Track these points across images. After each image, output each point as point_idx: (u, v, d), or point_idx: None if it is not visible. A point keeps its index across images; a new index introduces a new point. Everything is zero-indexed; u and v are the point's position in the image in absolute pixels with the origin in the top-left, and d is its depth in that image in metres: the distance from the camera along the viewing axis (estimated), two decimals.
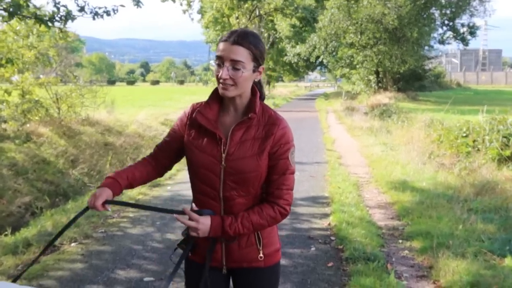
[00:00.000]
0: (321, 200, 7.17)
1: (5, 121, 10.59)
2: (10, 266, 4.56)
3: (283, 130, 1.98)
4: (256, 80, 2.02)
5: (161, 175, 2.25)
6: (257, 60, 1.94)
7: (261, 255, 2.07)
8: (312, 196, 7.37)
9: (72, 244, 5.23)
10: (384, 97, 27.14)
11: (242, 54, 1.88)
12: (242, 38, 1.89)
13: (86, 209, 2.05)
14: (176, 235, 5.44)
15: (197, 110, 2.04)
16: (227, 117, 2.03)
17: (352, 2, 28.90)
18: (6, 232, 5.69)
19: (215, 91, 2.02)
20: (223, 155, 1.96)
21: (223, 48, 1.89)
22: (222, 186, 1.97)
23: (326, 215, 6.36)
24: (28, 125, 10.78)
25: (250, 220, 1.96)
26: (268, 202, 2.01)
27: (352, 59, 32.36)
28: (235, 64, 1.88)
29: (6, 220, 6.57)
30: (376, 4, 27.78)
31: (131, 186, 2.15)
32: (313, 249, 5.11)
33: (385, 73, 32.89)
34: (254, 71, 1.95)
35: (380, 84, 33.02)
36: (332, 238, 5.45)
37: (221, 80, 1.89)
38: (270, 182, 2.00)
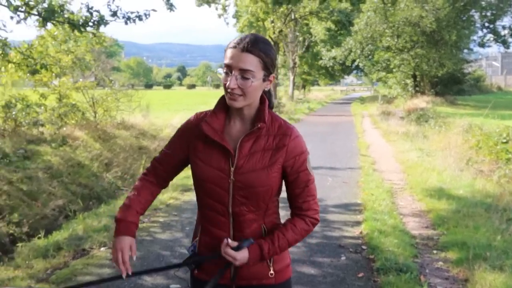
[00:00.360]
0: (353, 207, 7.02)
1: (42, 125, 10.83)
2: (39, 270, 4.60)
3: (296, 140, 1.88)
4: (266, 89, 1.89)
5: (164, 187, 2.12)
6: (268, 68, 1.81)
7: (271, 271, 1.96)
8: (344, 203, 7.23)
9: (102, 249, 5.25)
10: (421, 101, 26.64)
11: (252, 62, 1.75)
12: (252, 45, 1.76)
13: (120, 276, 1.93)
14: None
15: (204, 120, 1.90)
16: (234, 127, 1.90)
17: (389, 5, 28.51)
18: (39, 235, 5.76)
19: (222, 99, 1.90)
20: (232, 169, 1.83)
21: (231, 56, 1.77)
22: (231, 201, 1.86)
23: (358, 223, 6.22)
24: (64, 128, 10.98)
25: (286, 240, 1.89)
26: (298, 216, 1.92)
27: (388, 62, 31.95)
28: (244, 73, 1.75)
29: (40, 223, 6.66)
30: (413, 7, 27.34)
31: (141, 215, 2.04)
32: (343, 258, 4.99)
33: (422, 77, 32.33)
34: (264, 80, 1.82)
35: (417, 88, 32.46)
36: (364, 247, 5.31)
37: (229, 90, 1.77)
38: (295, 196, 1.92)
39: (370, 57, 32.95)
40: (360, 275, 4.55)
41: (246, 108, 1.86)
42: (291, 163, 1.86)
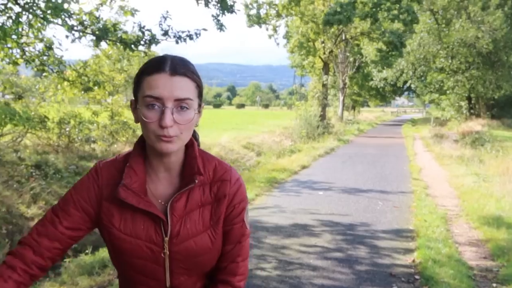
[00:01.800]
0: (405, 233, 6.72)
1: (94, 141, 11.08)
2: (84, 287, 4.59)
3: (236, 185, 1.46)
4: (196, 125, 1.41)
5: (38, 278, 1.44)
6: (201, 95, 1.39)
7: None
8: (395, 228, 6.94)
9: None
10: (477, 124, 25.84)
11: (188, 88, 1.31)
12: (182, 65, 1.32)
13: None
14: (250, 264, 5.27)
15: (121, 183, 1.37)
16: (158, 183, 1.44)
17: (443, 25, 27.98)
18: (87, 251, 5.79)
19: (137, 147, 1.43)
20: (166, 239, 1.39)
21: (160, 84, 1.28)
22: (169, 275, 1.44)
23: (410, 251, 5.93)
24: (115, 145, 11.19)
25: None
26: (218, 284, 1.50)
27: (442, 84, 31.24)
28: (181, 104, 1.30)
29: (88, 239, 6.70)
30: (469, 28, 26.68)
31: None
32: None
33: (477, 99, 31.42)
34: (199, 111, 1.38)
35: (472, 111, 31.53)
36: (417, 277, 5.03)
37: (164, 131, 1.28)
38: (222, 254, 1.49)
39: (422, 78, 32.34)
40: None
41: (174, 154, 1.39)
42: (227, 213, 1.46)
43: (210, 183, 1.44)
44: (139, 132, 12.93)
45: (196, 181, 1.39)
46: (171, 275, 1.44)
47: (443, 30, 28.13)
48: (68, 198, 1.44)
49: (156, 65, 1.31)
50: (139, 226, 1.39)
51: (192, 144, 1.44)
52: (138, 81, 1.34)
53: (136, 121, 1.37)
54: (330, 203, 8.56)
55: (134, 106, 1.37)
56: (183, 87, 1.30)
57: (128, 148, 11.02)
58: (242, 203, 1.48)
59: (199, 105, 1.38)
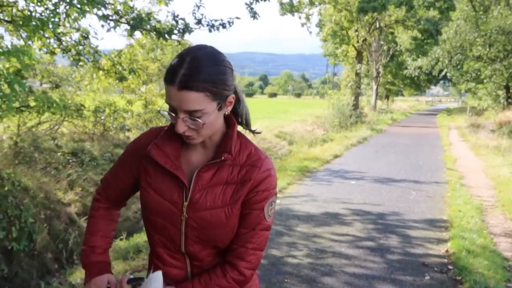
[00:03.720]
0: (438, 223, 6.64)
1: (128, 129, 11.26)
2: (119, 272, 4.70)
3: (265, 173, 1.50)
4: (226, 113, 1.50)
5: (122, 207, 1.80)
6: (221, 95, 1.40)
7: None
8: (428, 218, 6.85)
9: None
10: None
11: (196, 100, 1.35)
12: (190, 78, 1.33)
13: None
14: (281, 252, 5.31)
15: (153, 142, 1.52)
16: (193, 153, 1.54)
17: (481, 13, 27.20)
18: (122, 237, 5.93)
19: None
20: (185, 203, 1.48)
21: (171, 95, 1.37)
22: (183, 240, 1.52)
23: (443, 241, 5.86)
24: None
25: None
26: (222, 265, 1.53)
27: (479, 73, 30.44)
28: (191, 114, 1.38)
29: (123, 225, 6.88)
30: (507, 15, 25.88)
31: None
32: (427, 277, 4.69)
33: None
34: (220, 108, 1.43)
35: (510, 100, 30.66)
36: (450, 267, 4.97)
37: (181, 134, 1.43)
38: (235, 236, 1.53)
39: (458, 67, 31.57)
40: None
41: (207, 138, 1.50)
42: (249, 197, 1.49)
43: (241, 165, 1.50)
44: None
45: (223, 158, 1.47)
46: (186, 240, 1.51)
47: (481, 17, 27.34)
48: (120, 158, 1.68)
49: (168, 76, 1.37)
50: (166, 187, 1.50)
51: (232, 126, 1.52)
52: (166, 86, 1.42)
53: None
54: (362, 193, 8.51)
55: None
56: (190, 100, 1.34)
57: None
58: (265, 193, 1.50)
59: (222, 102, 1.42)
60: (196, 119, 1.38)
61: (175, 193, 1.49)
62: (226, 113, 1.48)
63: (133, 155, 1.60)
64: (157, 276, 1.41)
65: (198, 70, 1.34)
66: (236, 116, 1.58)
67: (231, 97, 1.46)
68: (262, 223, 1.52)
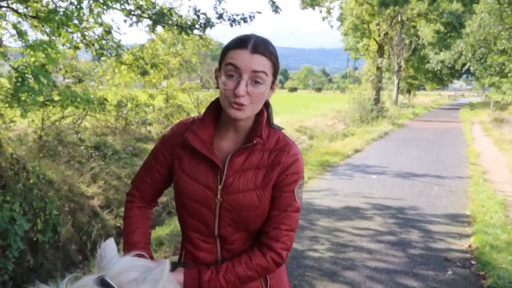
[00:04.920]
0: (461, 218, 6.58)
1: (150, 124, 11.35)
2: None
3: (293, 157, 1.60)
4: (268, 98, 1.63)
5: (154, 207, 1.87)
6: (276, 74, 1.56)
7: None
8: (451, 213, 6.79)
9: None
10: None
11: (265, 65, 1.48)
12: (263, 46, 1.49)
13: None
14: (302, 245, 5.32)
15: (190, 129, 1.62)
16: (225, 140, 1.63)
17: (505, 5, 26.70)
18: None
19: (212, 106, 1.65)
20: (219, 187, 1.58)
21: (240, 57, 1.47)
22: (217, 223, 1.61)
23: (466, 236, 5.81)
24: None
25: (235, 274, 1.58)
26: (260, 247, 1.62)
27: (503, 66, 29.94)
28: (256, 77, 1.48)
29: None
30: None
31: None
32: (449, 272, 4.66)
33: None
34: (271, 87, 1.57)
35: None
36: (473, 262, 4.93)
37: (236, 99, 1.47)
38: (268, 219, 1.61)
39: (482, 60, 31.11)
40: None
41: (243, 120, 1.57)
42: (280, 180, 1.59)
43: (270, 150, 1.61)
44: (192, 115, 13.13)
45: (255, 141, 1.57)
46: (219, 223, 1.61)
47: (505, 10, 26.84)
48: (154, 149, 1.75)
49: (240, 42, 1.49)
50: (201, 172, 1.60)
51: (262, 113, 1.62)
52: (224, 53, 1.53)
53: (216, 86, 1.56)
54: (383, 187, 8.47)
55: (216, 73, 1.56)
56: (260, 63, 1.47)
57: None
58: (294, 176, 1.60)
59: (273, 82, 1.56)
60: (259, 81, 1.48)
61: (209, 177, 1.59)
62: (269, 97, 1.62)
63: (166, 146, 1.69)
64: (110, 243, 1.42)
65: (267, 43, 1.52)
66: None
67: (277, 83, 1.60)
68: (293, 205, 1.61)
